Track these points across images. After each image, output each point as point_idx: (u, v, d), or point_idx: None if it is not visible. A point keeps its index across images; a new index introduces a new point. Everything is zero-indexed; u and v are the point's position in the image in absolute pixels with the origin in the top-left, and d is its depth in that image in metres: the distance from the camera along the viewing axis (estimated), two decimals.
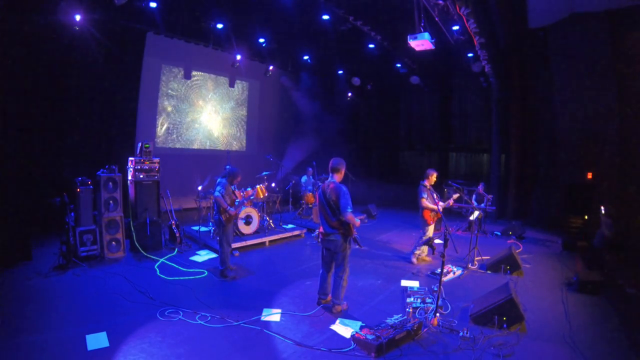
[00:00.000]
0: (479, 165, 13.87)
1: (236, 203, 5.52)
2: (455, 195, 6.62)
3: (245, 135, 12.44)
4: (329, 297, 4.51)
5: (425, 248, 6.54)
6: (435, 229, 7.10)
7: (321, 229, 4.36)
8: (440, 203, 6.18)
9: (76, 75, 7.74)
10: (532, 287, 5.39)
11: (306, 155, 11.91)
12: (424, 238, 6.32)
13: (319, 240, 4.48)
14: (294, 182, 9.96)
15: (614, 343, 3.90)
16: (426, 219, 6.27)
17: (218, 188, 5.31)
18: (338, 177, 4.32)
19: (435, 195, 6.36)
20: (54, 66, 7.38)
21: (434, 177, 6.37)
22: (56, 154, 7.61)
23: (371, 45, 11.03)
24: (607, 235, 7.07)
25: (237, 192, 5.90)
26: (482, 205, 8.00)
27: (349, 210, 4.05)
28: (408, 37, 6.83)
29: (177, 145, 10.42)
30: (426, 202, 6.13)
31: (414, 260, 6.43)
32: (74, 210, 5.86)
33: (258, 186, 7.53)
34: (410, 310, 4.30)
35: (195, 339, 3.67)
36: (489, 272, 6.03)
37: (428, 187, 6.28)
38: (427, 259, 6.61)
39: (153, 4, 7.72)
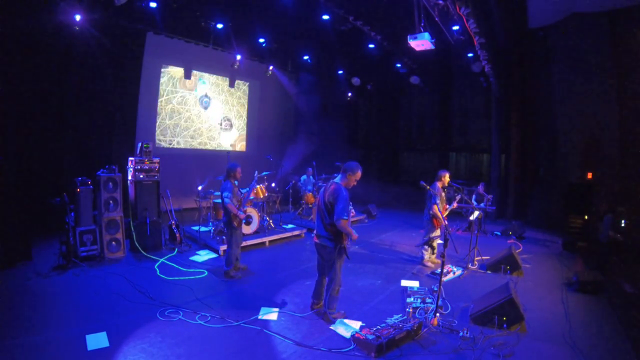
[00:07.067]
0: (479, 165, 13.85)
1: (243, 190, 5.50)
2: (458, 197, 6.33)
3: (246, 135, 12.44)
4: (321, 303, 4.30)
5: (431, 250, 6.36)
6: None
7: (315, 231, 4.15)
8: (447, 207, 6.05)
9: (76, 75, 7.73)
10: (532, 287, 5.39)
11: (306, 155, 11.89)
12: (429, 237, 6.18)
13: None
14: (294, 182, 9.96)
15: (614, 343, 3.90)
16: (435, 224, 6.04)
17: (225, 194, 5.08)
18: (344, 181, 3.98)
19: (444, 197, 6.09)
20: (54, 66, 7.38)
21: (447, 178, 6.09)
22: (56, 154, 7.60)
23: (371, 45, 11.03)
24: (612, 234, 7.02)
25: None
26: (482, 205, 7.98)
27: (344, 217, 3.73)
28: (408, 37, 6.84)
29: (177, 145, 10.42)
30: (437, 210, 5.67)
31: (429, 264, 6.22)
32: (74, 210, 5.86)
33: (258, 186, 7.52)
34: (410, 310, 4.29)
35: (195, 339, 3.67)
36: (489, 272, 6.02)
37: (441, 190, 6.02)
38: (437, 260, 6.48)
39: (153, 4, 7.72)
